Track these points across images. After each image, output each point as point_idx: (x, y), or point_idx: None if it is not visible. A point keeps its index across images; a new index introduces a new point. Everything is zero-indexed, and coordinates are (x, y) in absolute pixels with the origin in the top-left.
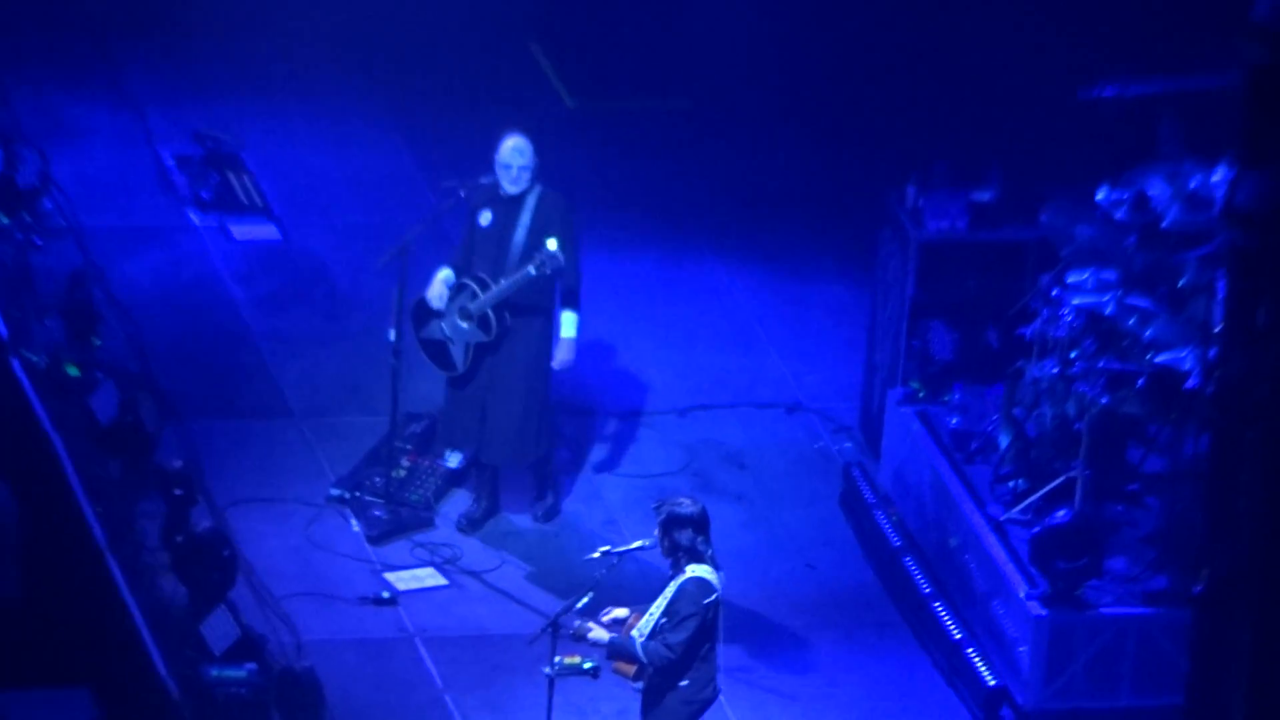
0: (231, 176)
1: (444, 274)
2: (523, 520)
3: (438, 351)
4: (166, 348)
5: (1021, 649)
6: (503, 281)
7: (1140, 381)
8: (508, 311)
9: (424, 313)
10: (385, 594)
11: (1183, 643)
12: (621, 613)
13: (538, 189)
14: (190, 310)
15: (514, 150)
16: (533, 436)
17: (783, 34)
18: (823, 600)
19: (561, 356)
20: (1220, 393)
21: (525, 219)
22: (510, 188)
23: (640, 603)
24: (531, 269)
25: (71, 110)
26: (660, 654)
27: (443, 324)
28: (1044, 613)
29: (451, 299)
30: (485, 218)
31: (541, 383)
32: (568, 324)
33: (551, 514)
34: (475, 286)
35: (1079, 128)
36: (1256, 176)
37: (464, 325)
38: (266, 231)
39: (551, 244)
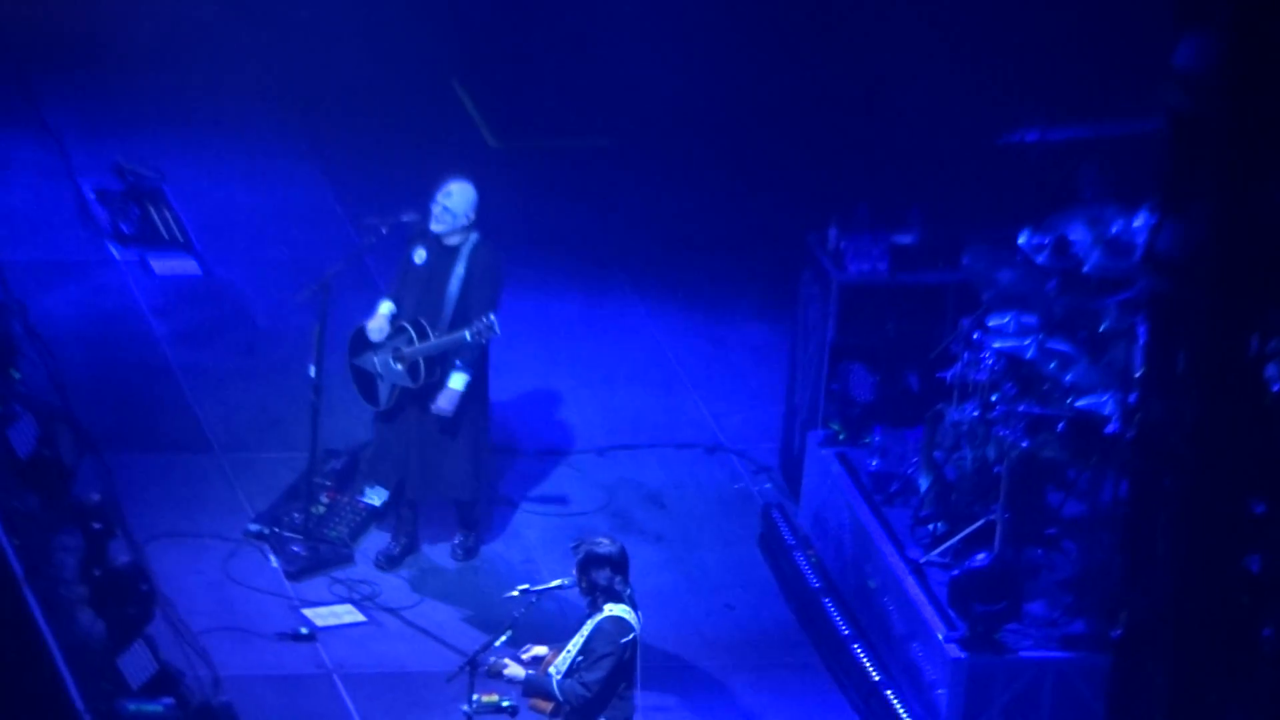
0: (152, 210)
1: (385, 307)
2: (442, 558)
3: (366, 383)
4: (86, 381)
5: (940, 691)
6: (437, 338)
7: (1060, 426)
8: (439, 366)
9: (361, 342)
10: (303, 630)
11: (1100, 687)
12: (541, 650)
13: (473, 239)
14: (110, 344)
15: (444, 191)
16: (468, 475)
17: (706, 75)
18: (741, 641)
19: (440, 404)
20: (1140, 438)
21: (459, 269)
22: (434, 226)
23: (559, 641)
24: (468, 334)
25: None
26: (576, 692)
27: (375, 358)
28: (962, 655)
29: (390, 336)
30: (420, 255)
31: (480, 421)
32: (457, 379)
33: (471, 553)
34: (413, 333)
35: (1001, 172)
36: (1177, 222)
37: (396, 367)
38: (187, 266)
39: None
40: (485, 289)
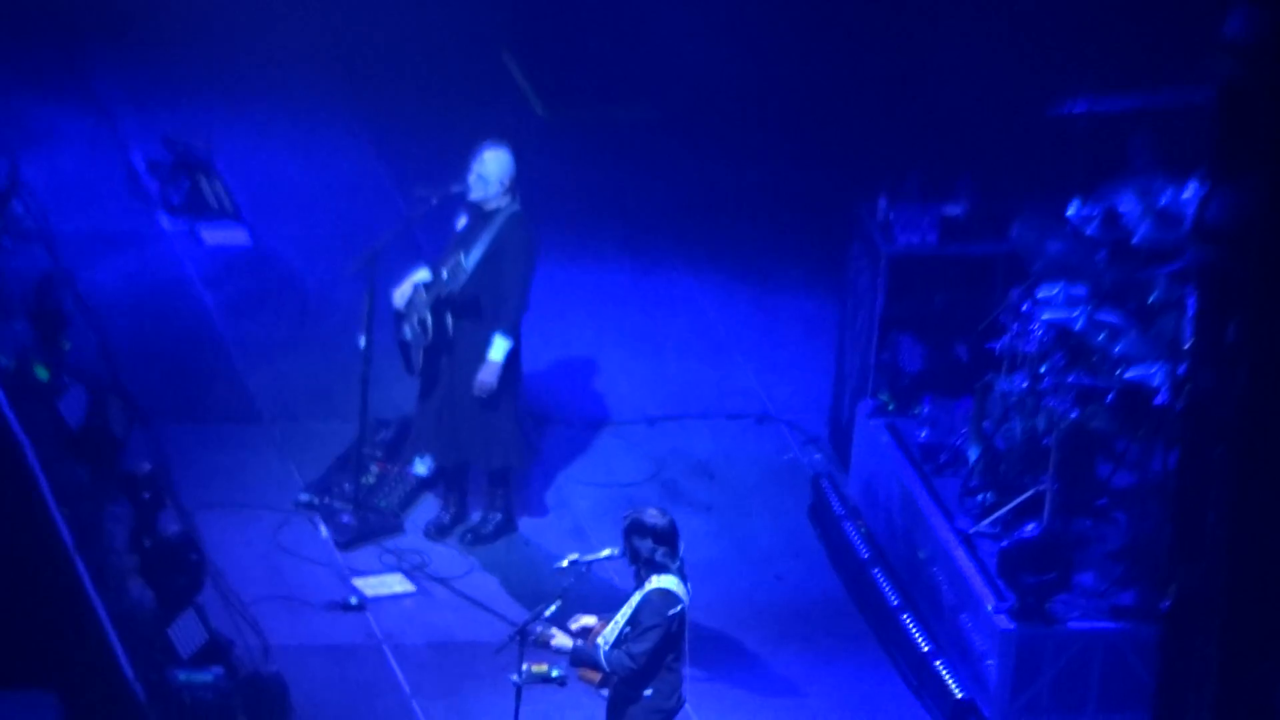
0: (202, 181)
1: (419, 274)
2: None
3: (404, 351)
4: (135, 352)
5: (989, 662)
6: (430, 291)
7: (1109, 397)
8: (449, 318)
9: (396, 314)
10: (353, 600)
11: (1150, 658)
12: (590, 620)
13: (509, 211)
14: (160, 315)
15: (479, 158)
16: (497, 443)
17: (756, 44)
18: (790, 611)
19: (480, 378)
20: (1189, 409)
21: (486, 237)
22: (471, 194)
23: (608, 611)
24: (445, 275)
25: (41, 114)
26: (623, 663)
27: (405, 326)
28: (1011, 626)
29: (410, 301)
30: (461, 222)
31: (514, 388)
32: (497, 347)
33: (487, 538)
34: (424, 291)
35: (1051, 143)
36: (1227, 193)
37: (417, 328)
38: (237, 236)
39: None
40: (517, 262)
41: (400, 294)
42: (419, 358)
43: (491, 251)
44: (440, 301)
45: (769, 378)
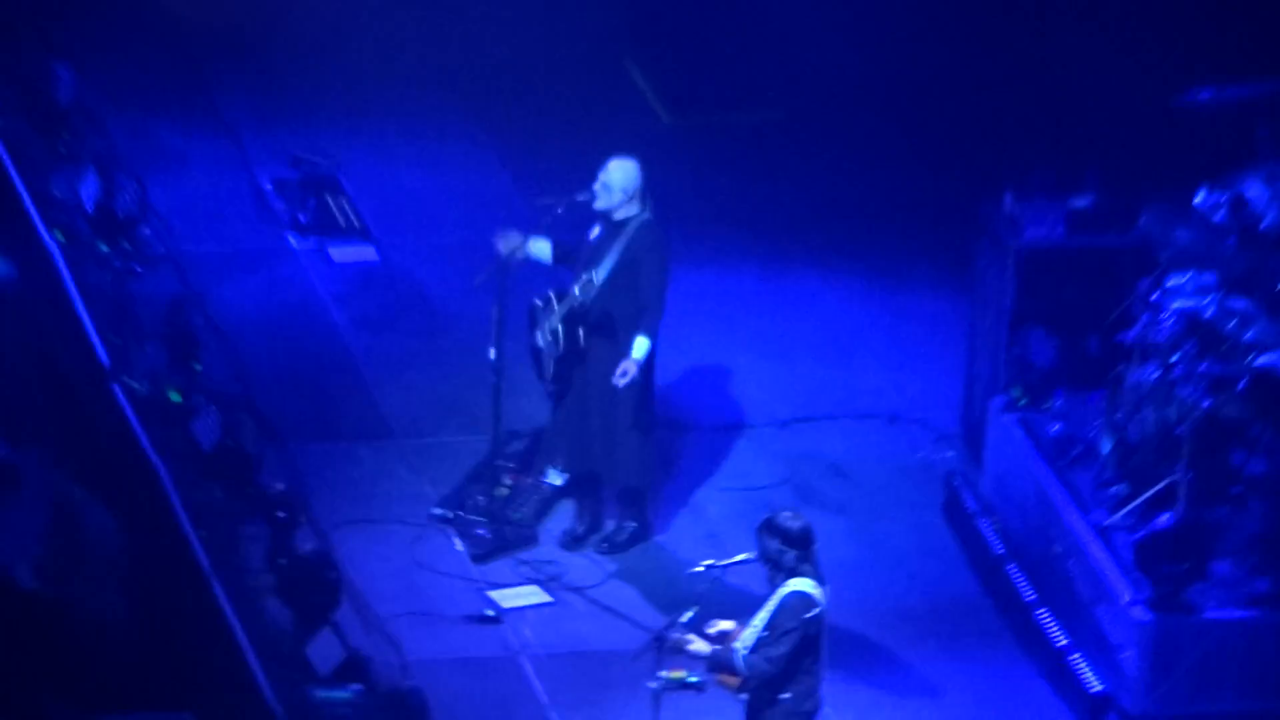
0: (329, 199)
1: (536, 243)
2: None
3: (535, 359)
4: (267, 371)
5: (1126, 654)
6: (562, 303)
7: (1241, 384)
8: (582, 331)
9: (531, 317)
10: (489, 612)
11: None
12: (728, 625)
13: (641, 218)
14: (290, 333)
15: (605, 169)
16: (626, 463)
17: (877, 44)
18: (926, 610)
19: (623, 367)
20: None
21: (618, 245)
22: (596, 203)
23: (745, 616)
24: (576, 290)
25: (169, 137)
26: (761, 668)
27: (538, 333)
28: (1149, 617)
29: (542, 309)
30: (594, 232)
31: (646, 403)
32: (638, 347)
33: (620, 547)
34: (555, 300)
35: (1176, 132)
36: None
37: (549, 337)
38: (364, 253)
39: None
40: (651, 268)
41: (510, 244)
42: (550, 367)
43: (624, 261)
44: (572, 314)
45: (899, 377)
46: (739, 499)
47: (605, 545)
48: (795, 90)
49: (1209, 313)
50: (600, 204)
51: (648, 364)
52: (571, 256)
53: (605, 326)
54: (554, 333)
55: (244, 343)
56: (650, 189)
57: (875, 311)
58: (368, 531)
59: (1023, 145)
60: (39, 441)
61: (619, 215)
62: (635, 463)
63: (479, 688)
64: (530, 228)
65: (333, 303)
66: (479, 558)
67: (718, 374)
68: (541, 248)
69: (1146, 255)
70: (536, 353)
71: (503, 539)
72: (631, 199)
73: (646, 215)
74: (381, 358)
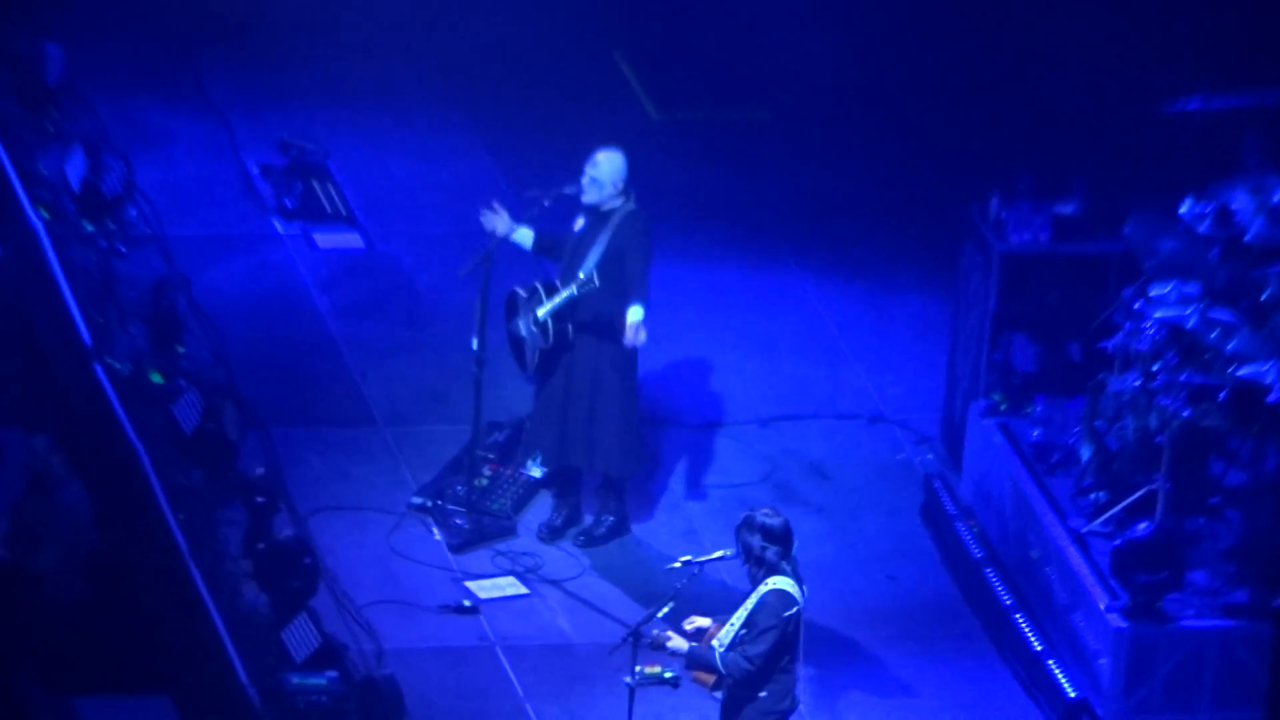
0: (316, 185)
1: (520, 230)
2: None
3: (516, 347)
4: (250, 356)
5: (1102, 661)
6: (557, 295)
7: (1222, 395)
8: (570, 324)
9: (512, 307)
10: (466, 602)
11: (1263, 656)
12: (704, 622)
13: (626, 209)
14: (273, 318)
15: (592, 162)
16: (618, 450)
17: (866, 45)
18: (903, 612)
19: (631, 331)
20: None
21: (604, 237)
22: (585, 197)
23: (723, 613)
24: (574, 288)
25: (156, 118)
26: (739, 665)
27: (520, 322)
28: (1125, 625)
29: (526, 299)
30: (579, 224)
31: (630, 396)
32: (634, 312)
33: (598, 540)
34: (542, 292)
35: (1163, 141)
36: None
37: (534, 329)
38: (350, 240)
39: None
40: (634, 258)
41: (493, 220)
42: (534, 359)
43: (610, 252)
44: (562, 309)
45: (881, 378)
46: (718, 495)
47: (583, 538)
48: (784, 89)
49: (1191, 323)
50: (589, 197)
51: (631, 363)
52: (553, 248)
53: (590, 318)
54: (542, 325)
55: (227, 326)
56: (635, 181)
57: (859, 311)
58: (346, 518)
59: (1010, 149)
60: (19, 417)
61: (605, 208)
62: (616, 453)
63: (454, 677)
64: (516, 220)
65: (316, 289)
66: (457, 547)
67: (700, 370)
68: (524, 234)
69: (1130, 263)
70: (518, 342)
71: (481, 529)
72: (619, 192)
73: (631, 206)
74: (364, 345)
